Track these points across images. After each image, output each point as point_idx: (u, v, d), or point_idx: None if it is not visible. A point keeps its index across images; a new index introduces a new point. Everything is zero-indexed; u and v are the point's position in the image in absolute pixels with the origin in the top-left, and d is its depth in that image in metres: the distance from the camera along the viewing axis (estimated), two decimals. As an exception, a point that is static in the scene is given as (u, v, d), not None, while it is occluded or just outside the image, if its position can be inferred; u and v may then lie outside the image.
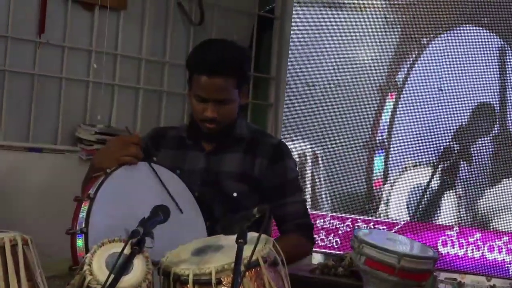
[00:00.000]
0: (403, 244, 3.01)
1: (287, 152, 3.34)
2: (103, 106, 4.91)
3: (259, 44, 5.62)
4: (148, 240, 2.73)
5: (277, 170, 3.26)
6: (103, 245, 2.52)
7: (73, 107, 4.80)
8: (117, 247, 2.48)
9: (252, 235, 2.61)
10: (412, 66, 4.57)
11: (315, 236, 3.47)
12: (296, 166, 3.40)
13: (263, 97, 5.67)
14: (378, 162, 4.59)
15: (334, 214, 4.47)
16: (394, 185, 4.54)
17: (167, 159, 3.27)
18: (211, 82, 3.11)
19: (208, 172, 3.25)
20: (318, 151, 4.73)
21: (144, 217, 2.59)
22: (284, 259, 2.64)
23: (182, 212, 2.96)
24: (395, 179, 4.54)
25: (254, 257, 2.48)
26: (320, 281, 4.11)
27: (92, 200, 2.74)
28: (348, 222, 4.42)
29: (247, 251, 2.50)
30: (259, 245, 2.52)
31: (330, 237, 4.44)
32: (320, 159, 4.77)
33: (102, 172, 2.84)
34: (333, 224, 4.46)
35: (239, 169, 3.25)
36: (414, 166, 4.54)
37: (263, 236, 2.58)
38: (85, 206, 2.75)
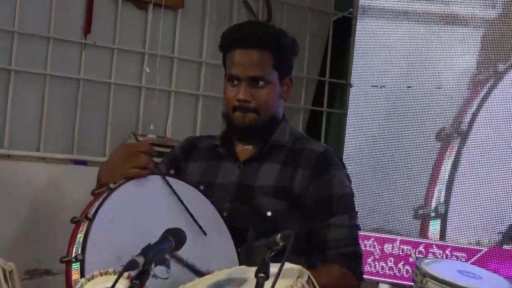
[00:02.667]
0: (479, 279, 2.43)
1: (335, 161, 2.79)
2: (157, 114, 4.50)
3: (334, 48, 5.08)
4: (162, 270, 2.35)
5: (321, 183, 2.73)
6: (93, 279, 2.04)
7: (123, 116, 4.42)
8: (111, 282, 2.00)
9: (287, 266, 2.13)
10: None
11: (365, 267, 2.89)
12: (349, 180, 2.83)
13: (340, 106, 5.13)
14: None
15: (405, 238, 3.87)
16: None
17: (196, 172, 2.81)
18: (244, 55, 2.70)
19: (241, 186, 2.74)
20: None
21: (149, 243, 2.10)
22: (322, 298, 2.12)
23: (205, 235, 2.47)
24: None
25: None
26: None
27: (90, 221, 2.29)
28: (421, 248, 3.81)
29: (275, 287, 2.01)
30: (288, 280, 2.03)
31: (400, 265, 3.84)
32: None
33: (105, 188, 2.37)
34: (403, 249, 3.86)
35: (275, 182, 2.72)
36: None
37: (294, 268, 2.11)
38: (82, 230, 2.29)
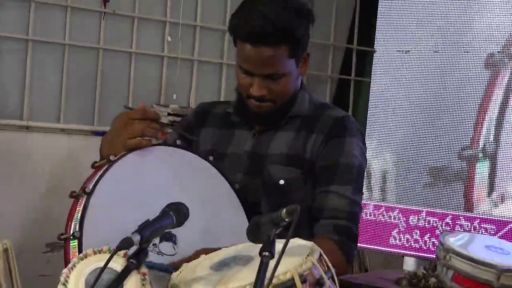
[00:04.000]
0: (507, 255, 2.22)
1: (352, 128, 2.54)
2: (180, 84, 4.37)
3: (363, 15, 4.88)
4: (168, 246, 2.19)
5: (331, 148, 2.48)
6: (86, 257, 1.87)
7: (144, 86, 4.29)
8: (104, 261, 1.83)
9: (295, 243, 1.95)
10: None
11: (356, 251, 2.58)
12: (362, 153, 2.55)
13: (369, 75, 4.93)
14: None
15: (431, 210, 3.66)
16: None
17: (208, 140, 2.59)
18: (256, 52, 2.40)
19: (253, 156, 2.54)
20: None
21: (147, 220, 1.93)
22: (334, 275, 1.93)
23: (222, 201, 2.35)
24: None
25: (288, 276, 1.81)
26: (406, 297, 3.34)
27: (89, 196, 2.12)
28: (447, 220, 3.61)
29: (283, 265, 1.84)
30: (298, 258, 1.85)
31: (426, 238, 3.64)
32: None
33: (104, 160, 2.20)
34: (429, 221, 3.66)
35: (288, 150, 2.51)
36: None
37: (305, 245, 1.93)
38: (80, 205, 2.12)
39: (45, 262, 2.31)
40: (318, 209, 2.44)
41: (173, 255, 2.19)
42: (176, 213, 1.97)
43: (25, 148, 3.87)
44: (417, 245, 3.62)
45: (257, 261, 1.79)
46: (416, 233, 3.63)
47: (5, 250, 1.98)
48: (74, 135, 4.01)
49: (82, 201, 2.11)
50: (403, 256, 3.76)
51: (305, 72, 2.56)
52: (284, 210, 1.79)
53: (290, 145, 2.50)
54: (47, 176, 3.88)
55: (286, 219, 1.79)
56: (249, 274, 1.80)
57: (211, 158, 2.39)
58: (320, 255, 1.92)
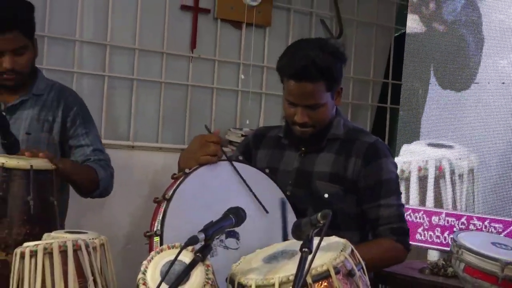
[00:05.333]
0: (510, 250, 2.08)
1: (383, 150, 2.49)
2: (251, 112, 4.27)
3: (397, 55, 4.72)
4: (233, 241, 2.14)
5: (371, 170, 2.44)
6: (162, 252, 1.81)
7: (224, 114, 4.20)
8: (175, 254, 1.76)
9: (331, 240, 1.86)
10: None
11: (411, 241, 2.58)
12: (396, 167, 2.53)
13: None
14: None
15: (449, 211, 3.51)
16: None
17: (264, 158, 2.56)
18: (299, 87, 2.36)
19: (300, 172, 2.47)
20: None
21: (212, 221, 1.85)
22: (364, 267, 1.83)
23: (267, 212, 2.23)
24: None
25: (324, 268, 1.74)
26: (428, 283, 3.20)
27: (168, 201, 2.08)
28: (463, 220, 3.45)
29: (320, 259, 1.75)
30: (333, 253, 1.78)
31: (445, 234, 3.49)
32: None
33: (181, 173, 2.15)
34: (448, 221, 3.51)
35: (331, 169, 2.44)
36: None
37: (340, 242, 1.87)
38: (161, 208, 2.07)
39: (145, 251, 2.28)
40: (375, 220, 2.45)
41: (236, 249, 2.13)
42: (235, 215, 1.91)
43: (130, 162, 3.83)
44: (438, 240, 3.48)
45: (299, 255, 1.71)
46: (438, 230, 3.49)
47: (102, 245, 1.91)
48: (169, 152, 3.92)
49: (163, 205, 2.07)
50: (426, 249, 3.63)
51: (339, 102, 2.50)
52: (319, 214, 1.71)
53: (332, 165, 2.45)
54: (147, 184, 3.83)
55: (321, 221, 1.71)
56: (293, 266, 1.72)
57: (267, 170, 2.32)
58: (352, 250, 1.83)
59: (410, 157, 3.74)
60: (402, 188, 3.52)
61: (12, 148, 2.19)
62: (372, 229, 2.47)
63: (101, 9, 3.75)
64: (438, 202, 3.58)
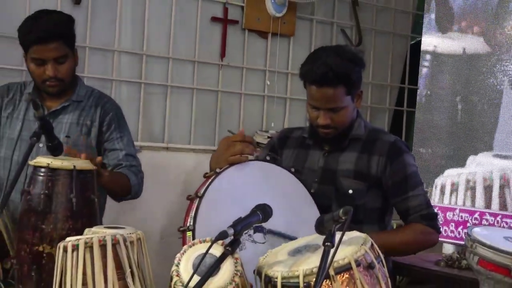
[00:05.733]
0: (522, 244, 2.04)
1: (404, 148, 2.49)
2: (276, 115, 4.24)
3: (413, 62, 4.67)
4: (260, 236, 2.13)
5: (396, 167, 2.43)
6: (194, 245, 1.79)
7: (251, 117, 4.17)
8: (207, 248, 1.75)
9: (352, 234, 1.83)
10: None
11: (440, 226, 2.58)
12: (414, 160, 2.53)
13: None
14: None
15: (463, 208, 3.45)
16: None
17: (289, 158, 2.53)
18: (320, 92, 2.35)
19: (325, 170, 2.45)
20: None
21: (240, 217, 1.84)
22: (383, 260, 1.81)
23: (302, 201, 2.24)
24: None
25: (345, 260, 1.72)
26: (443, 275, 3.15)
27: (200, 198, 2.06)
28: (476, 215, 3.38)
29: (342, 252, 1.72)
30: (354, 247, 1.76)
31: (459, 229, 3.43)
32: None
33: (212, 172, 2.13)
34: (461, 217, 3.45)
35: (354, 167, 2.42)
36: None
37: (361, 236, 1.84)
38: (194, 205, 2.05)
39: (179, 245, 2.27)
40: (405, 210, 2.45)
41: (263, 243, 2.11)
42: (262, 212, 1.89)
43: (165, 162, 3.82)
44: (452, 234, 3.42)
45: (322, 249, 1.68)
46: (452, 225, 3.43)
47: (138, 239, 1.90)
48: (200, 153, 3.92)
49: (196, 203, 2.06)
50: (442, 243, 3.58)
51: (359, 105, 2.47)
52: (341, 211, 1.69)
53: (355, 163, 2.43)
54: (180, 183, 3.81)
55: (343, 217, 1.68)
56: (316, 259, 1.70)
57: (292, 169, 2.30)
58: (372, 244, 1.80)
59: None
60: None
61: (56, 150, 2.19)
62: (404, 219, 2.47)
63: (138, 22, 3.75)
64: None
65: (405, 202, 2.43)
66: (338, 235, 1.67)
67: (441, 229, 2.51)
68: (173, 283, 1.71)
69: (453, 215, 3.44)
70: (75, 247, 1.78)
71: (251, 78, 4.14)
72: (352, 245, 1.75)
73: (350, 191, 2.40)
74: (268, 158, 2.35)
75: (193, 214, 2.03)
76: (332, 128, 2.40)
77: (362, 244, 1.76)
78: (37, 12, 2.71)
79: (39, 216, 2.05)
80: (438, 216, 2.53)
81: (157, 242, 3.71)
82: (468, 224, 3.34)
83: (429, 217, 2.44)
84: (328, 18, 4.40)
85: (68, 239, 1.83)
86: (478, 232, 2.00)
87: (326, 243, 1.63)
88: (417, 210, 2.43)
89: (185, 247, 1.79)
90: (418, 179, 2.48)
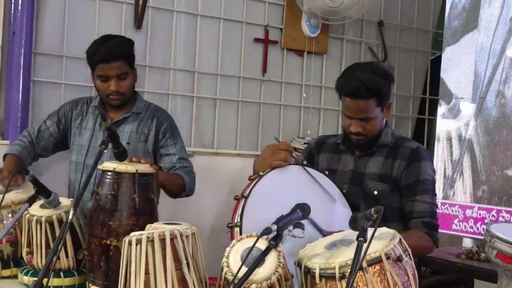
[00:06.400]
0: (537, 240, 1.97)
1: (424, 155, 2.41)
2: (312, 124, 4.20)
3: (434, 74, 4.58)
4: (299, 231, 2.11)
5: (412, 170, 2.36)
6: (241, 240, 1.78)
7: (289, 125, 4.14)
8: (253, 242, 1.73)
9: (382, 231, 1.79)
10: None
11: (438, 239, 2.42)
12: (434, 172, 2.43)
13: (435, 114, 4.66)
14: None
15: (481, 205, 3.36)
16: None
17: (325, 161, 2.50)
18: (353, 103, 2.31)
19: (355, 173, 2.41)
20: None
21: (282, 215, 1.82)
22: (410, 254, 1.76)
23: (335, 200, 2.20)
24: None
25: (377, 254, 1.69)
26: (463, 266, 3.07)
27: (246, 198, 2.05)
28: (493, 213, 3.29)
29: (373, 247, 1.69)
30: (384, 242, 1.73)
31: (478, 225, 3.33)
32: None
33: (256, 175, 2.11)
34: (479, 213, 3.36)
35: (380, 171, 2.37)
36: None
37: (389, 232, 1.80)
38: (240, 204, 2.04)
39: (227, 238, 2.26)
40: (409, 212, 2.34)
41: (301, 237, 2.09)
42: (302, 210, 1.87)
43: (214, 166, 3.82)
44: (472, 230, 3.33)
45: (355, 244, 1.65)
46: (471, 221, 3.35)
47: (193, 234, 1.90)
48: (245, 158, 3.90)
49: (242, 202, 2.05)
50: (462, 238, 3.49)
51: (388, 115, 2.43)
52: (373, 209, 1.65)
53: (381, 167, 2.38)
54: (228, 184, 3.81)
55: (374, 215, 1.65)
56: (350, 252, 1.67)
57: (326, 172, 2.27)
58: (400, 239, 1.76)
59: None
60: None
61: (121, 156, 2.20)
62: (406, 221, 2.36)
63: (190, 43, 3.77)
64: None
65: (411, 204, 2.34)
66: (369, 231, 1.65)
67: (438, 242, 2.36)
68: (223, 273, 1.70)
69: (472, 212, 3.36)
70: (139, 241, 1.79)
71: (289, 91, 4.11)
72: (382, 240, 1.72)
73: (375, 192, 2.35)
74: (304, 162, 2.33)
75: (240, 212, 2.01)
76: (363, 136, 2.36)
77: (391, 239, 1.72)
78: (103, 36, 2.76)
79: (106, 213, 2.06)
80: (439, 229, 2.38)
81: (208, 236, 3.72)
82: (486, 221, 3.25)
83: (430, 226, 2.33)
84: (357, 38, 4.35)
85: (132, 234, 1.84)
86: (497, 228, 1.94)
87: (360, 238, 1.60)
88: (420, 215, 2.32)
89: (234, 241, 1.78)
90: (430, 187, 2.37)
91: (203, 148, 3.83)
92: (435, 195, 2.40)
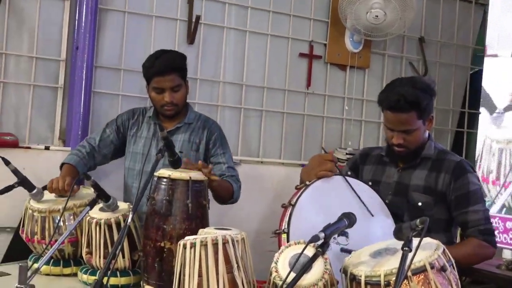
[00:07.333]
0: None
1: (468, 167, 2.36)
2: (353, 135, 4.17)
3: (473, 88, 4.49)
4: (343, 239, 2.08)
5: (459, 184, 2.31)
6: (289, 246, 1.77)
7: (331, 137, 4.11)
8: (301, 249, 1.73)
9: (426, 241, 1.76)
10: None
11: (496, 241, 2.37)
12: (479, 180, 2.38)
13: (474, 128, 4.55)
14: None
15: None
16: None
17: (369, 172, 2.47)
18: (395, 117, 2.28)
19: (399, 184, 2.37)
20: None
21: (329, 223, 1.80)
22: (454, 264, 1.73)
23: (372, 215, 2.14)
24: None
25: (421, 263, 1.65)
26: (503, 277, 2.98)
27: (293, 206, 2.04)
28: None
29: (418, 256, 1.65)
30: (428, 252, 1.70)
31: (519, 237, 3.26)
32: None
33: (303, 184, 2.10)
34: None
35: (424, 183, 2.33)
36: None
37: (434, 242, 1.76)
38: (288, 212, 2.03)
39: (271, 243, 2.25)
40: (465, 223, 2.31)
41: (346, 245, 2.06)
42: (348, 219, 1.85)
43: (260, 174, 3.82)
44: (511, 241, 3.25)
45: (400, 253, 1.63)
46: (511, 233, 3.25)
47: (243, 239, 1.90)
48: (289, 166, 3.89)
49: (289, 210, 2.04)
50: (502, 249, 3.40)
51: (430, 128, 2.38)
52: (418, 220, 1.62)
53: (425, 179, 2.33)
54: (272, 191, 3.80)
55: (419, 226, 1.62)
56: (395, 261, 1.64)
57: (370, 183, 2.24)
58: (444, 249, 1.73)
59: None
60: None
61: (176, 164, 2.23)
62: (462, 231, 2.34)
63: (239, 58, 3.79)
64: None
65: (465, 215, 2.31)
66: (413, 241, 1.62)
67: (497, 244, 2.33)
68: (272, 277, 1.70)
69: (512, 224, 3.27)
70: (193, 245, 1.80)
71: (332, 104, 4.09)
72: (426, 250, 1.69)
73: (420, 204, 2.32)
74: (349, 173, 2.31)
75: (287, 219, 2.01)
76: (404, 147, 2.33)
77: (435, 249, 1.69)
78: (158, 51, 2.80)
79: (161, 217, 2.08)
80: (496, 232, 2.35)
81: (253, 240, 3.69)
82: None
83: (487, 232, 2.30)
84: (398, 53, 4.30)
85: (186, 238, 1.85)
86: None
87: (405, 248, 1.58)
88: (476, 224, 2.29)
89: (282, 247, 1.77)
90: (480, 196, 2.35)
91: (250, 157, 3.84)
92: (485, 200, 2.39)
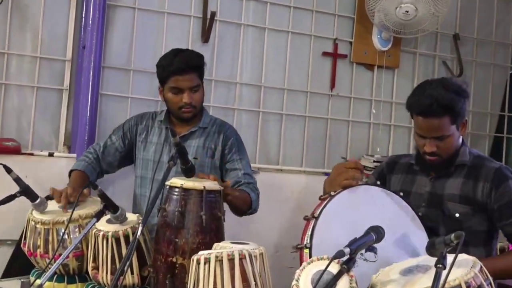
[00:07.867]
0: None
1: (509, 174, 2.34)
2: (381, 141, 4.14)
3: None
4: (371, 255, 2.05)
5: (502, 191, 2.29)
6: (312, 262, 1.77)
7: (358, 142, 4.09)
8: (324, 265, 1.72)
9: (462, 257, 1.74)
10: None
11: None
12: None
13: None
14: None
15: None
16: None
17: (397, 182, 2.45)
18: (426, 122, 2.26)
19: (432, 195, 2.35)
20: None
21: (355, 237, 1.79)
22: (492, 283, 1.70)
23: (410, 223, 2.15)
24: None
25: (456, 282, 1.65)
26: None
27: (316, 219, 2.04)
28: None
29: (453, 274, 1.64)
30: (464, 269, 1.69)
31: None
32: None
33: (327, 194, 2.10)
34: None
35: (461, 192, 2.31)
36: None
37: (470, 259, 1.74)
38: (310, 225, 2.03)
39: (292, 258, 2.25)
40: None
41: (374, 261, 2.04)
42: (375, 233, 1.83)
43: (279, 183, 3.81)
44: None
45: (433, 270, 1.61)
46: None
47: (261, 254, 1.90)
48: (311, 175, 3.89)
49: (312, 222, 2.03)
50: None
51: (464, 133, 2.36)
52: (453, 235, 1.61)
53: (461, 188, 2.31)
54: (292, 201, 3.80)
55: (454, 241, 1.60)
56: (427, 280, 1.63)
57: (401, 193, 2.23)
58: (481, 267, 1.71)
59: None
60: None
61: (189, 172, 2.24)
62: (510, 242, 2.31)
63: (257, 57, 3.80)
64: None
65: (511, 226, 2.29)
66: (448, 257, 1.60)
67: None
68: (293, 296, 1.69)
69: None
70: (207, 260, 1.80)
71: (358, 107, 4.08)
72: (461, 267, 1.67)
73: (457, 215, 2.30)
74: (378, 182, 2.30)
75: (310, 233, 2.00)
76: (437, 155, 2.31)
77: (471, 267, 1.67)
78: (174, 49, 2.82)
79: (173, 230, 2.09)
80: None
81: (272, 255, 3.70)
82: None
83: None
84: (430, 51, 4.27)
85: (200, 252, 1.85)
86: None
87: (438, 265, 1.56)
88: None
89: (304, 263, 1.77)
90: None
91: (268, 165, 3.84)
92: None
